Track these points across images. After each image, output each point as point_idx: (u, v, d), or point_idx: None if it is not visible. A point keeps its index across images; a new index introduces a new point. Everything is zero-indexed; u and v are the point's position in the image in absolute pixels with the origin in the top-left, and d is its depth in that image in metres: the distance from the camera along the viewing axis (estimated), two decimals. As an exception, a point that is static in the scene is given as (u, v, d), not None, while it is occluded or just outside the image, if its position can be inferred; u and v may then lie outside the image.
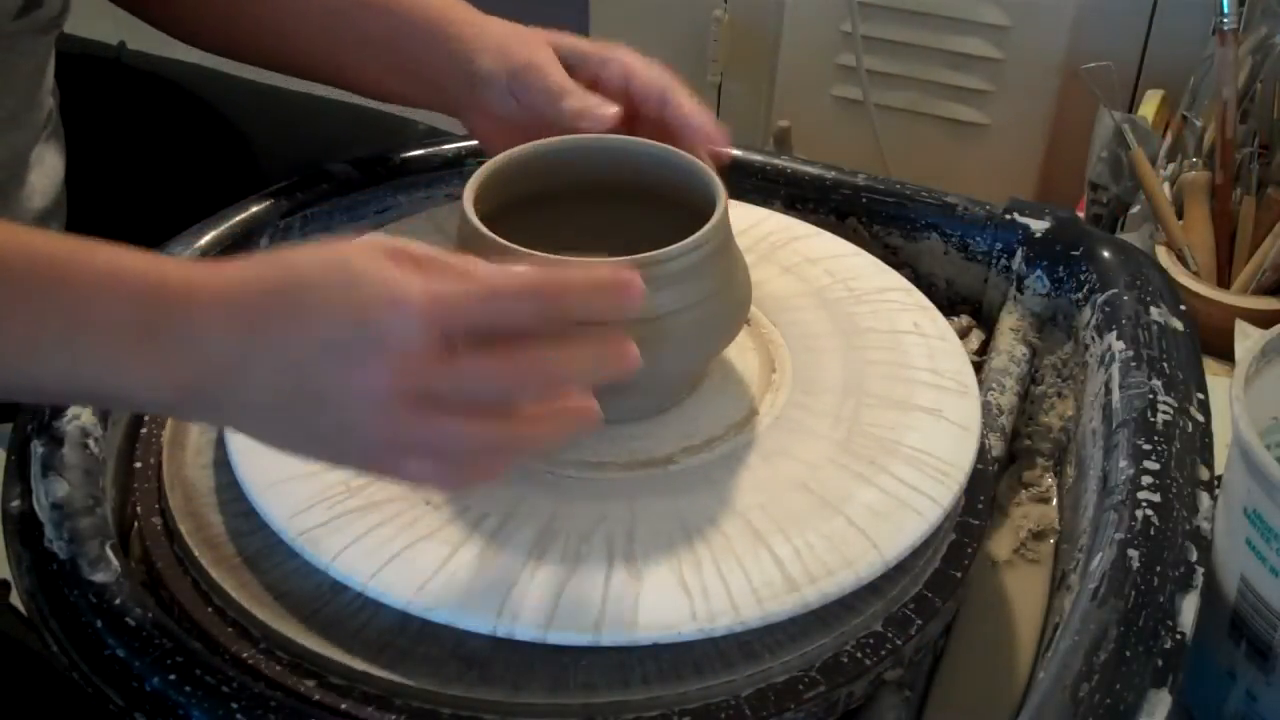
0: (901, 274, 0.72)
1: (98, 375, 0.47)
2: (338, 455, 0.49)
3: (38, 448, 0.58)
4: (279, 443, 0.49)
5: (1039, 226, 0.76)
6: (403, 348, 0.44)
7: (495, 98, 0.68)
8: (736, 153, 0.81)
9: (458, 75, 0.69)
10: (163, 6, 0.79)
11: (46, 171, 0.78)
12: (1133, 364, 0.64)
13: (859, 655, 0.54)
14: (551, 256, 0.54)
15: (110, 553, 0.55)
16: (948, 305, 0.79)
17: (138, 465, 0.63)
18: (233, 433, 0.58)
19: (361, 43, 0.73)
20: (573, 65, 0.67)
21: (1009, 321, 0.75)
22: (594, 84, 0.67)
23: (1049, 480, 0.70)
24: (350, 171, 0.78)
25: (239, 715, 0.49)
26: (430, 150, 0.81)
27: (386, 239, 0.47)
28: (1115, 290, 0.70)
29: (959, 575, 0.58)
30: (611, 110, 0.64)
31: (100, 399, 0.56)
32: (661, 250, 0.56)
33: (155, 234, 0.71)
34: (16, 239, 0.47)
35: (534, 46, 0.68)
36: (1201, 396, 0.63)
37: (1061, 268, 0.74)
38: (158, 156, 0.87)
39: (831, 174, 0.80)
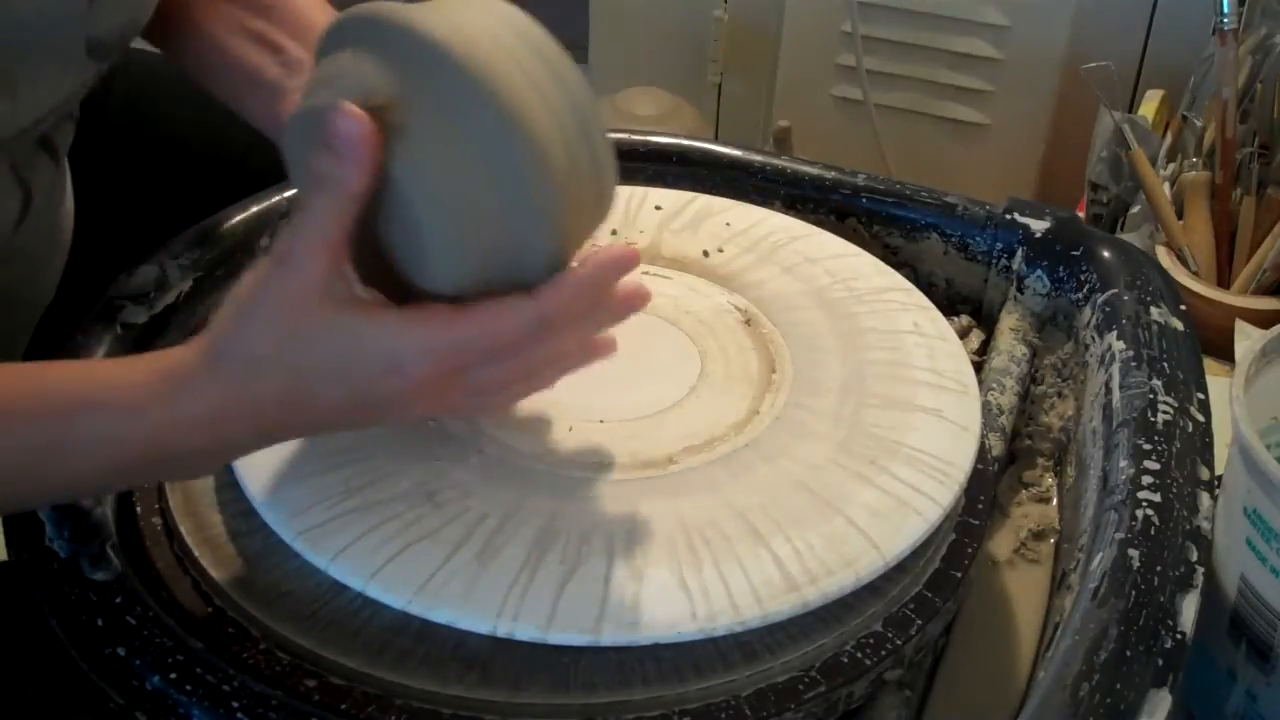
0: (901, 274, 0.72)
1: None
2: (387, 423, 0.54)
3: (38, 448, 0.58)
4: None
5: (1039, 226, 0.76)
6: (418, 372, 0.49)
7: None
8: (736, 153, 0.81)
9: None
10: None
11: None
12: (1133, 364, 0.64)
13: (859, 655, 0.54)
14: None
15: (110, 552, 0.55)
16: (948, 305, 0.79)
17: (138, 465, 0.63)
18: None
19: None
20: None
21: (1009, 321, 0.75)
22: None
23: (1049, 480, 0.70)
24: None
25: (239, 715, 0.49)
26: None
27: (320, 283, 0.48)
28: (1115, 290, 0.70)
29: (959, 575, 0.58)
30: None
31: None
32: None
33: (156, 233, 0.72)
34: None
35: None
36: (1201, 396, 0.63)
37: (1061, 268, 0.74)
38: (158, 156, 0.87)
39: (831, 174, 0.80)
